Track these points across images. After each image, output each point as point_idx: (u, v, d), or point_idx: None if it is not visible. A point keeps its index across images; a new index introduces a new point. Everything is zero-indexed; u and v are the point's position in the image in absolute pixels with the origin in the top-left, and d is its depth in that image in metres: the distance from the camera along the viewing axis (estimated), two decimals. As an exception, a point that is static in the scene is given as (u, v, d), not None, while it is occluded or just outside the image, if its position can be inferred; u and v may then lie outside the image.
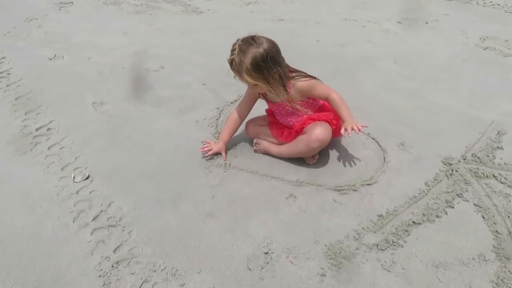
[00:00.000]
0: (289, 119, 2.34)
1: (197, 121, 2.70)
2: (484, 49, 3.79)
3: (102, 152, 2.42)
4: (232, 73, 2.10)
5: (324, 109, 2.34)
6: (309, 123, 2.27)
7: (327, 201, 2.07)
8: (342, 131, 2.14)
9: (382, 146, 2.48)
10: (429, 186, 2.20)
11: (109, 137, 2.56)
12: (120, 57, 3.64)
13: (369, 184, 2.19)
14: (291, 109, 2.26)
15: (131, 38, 4.07)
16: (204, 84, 3.10)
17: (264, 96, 2.32)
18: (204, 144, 2.39)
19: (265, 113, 2.51)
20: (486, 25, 4.35)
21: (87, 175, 2.23)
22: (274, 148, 2.37)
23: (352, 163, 2.34)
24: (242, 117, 2.44)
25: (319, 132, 2.17)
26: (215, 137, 2.56)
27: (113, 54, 3.70)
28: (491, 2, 5.01)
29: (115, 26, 4.38)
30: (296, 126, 2.32)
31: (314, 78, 2.21)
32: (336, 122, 2.30)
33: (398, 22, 4.56)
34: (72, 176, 2.22)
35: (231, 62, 2.04)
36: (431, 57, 3.66)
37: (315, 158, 2.34)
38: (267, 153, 2.40)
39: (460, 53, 3.71)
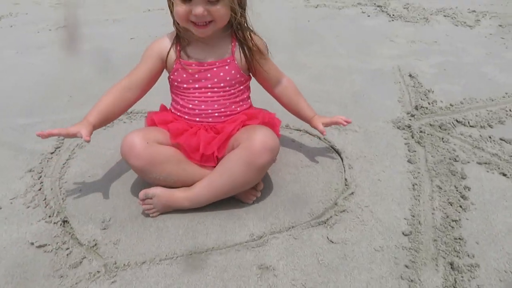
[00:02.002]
0: (215, 112, 1.38)
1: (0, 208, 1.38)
2: (316, 7, 3.42)
3: None
4: None
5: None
6: (239, 128, 1.31)
7: (323, 247, 1.16)
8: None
9: (320, 136, 1.68)
10: (416, 162, 1.52)
11: None
12: None
13: (352, 193, 1.37)
14: (236, 81, 1.38)
15: None
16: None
17: (183, 48, 1.36)
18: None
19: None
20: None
21: None
22: (184, 195, 1.30)
23: (301, 177, 1.47)
24: (133, 87, 1.36)
25: (262, 137, 1.23)
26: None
27: None
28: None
29: None
30: (227, 128, 1.33)
31: None
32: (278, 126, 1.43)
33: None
34: None
35: None
36: (277, 24, 3.05)
37: (259, 187, 1.38)
38: (171, 209, 1.32)
39: (300, 15, 3.23)
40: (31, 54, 2.53)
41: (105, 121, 1.34)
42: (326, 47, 2.61)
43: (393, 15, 3.18)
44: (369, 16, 3.21)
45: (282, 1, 3.55)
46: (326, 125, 1.46)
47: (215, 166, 1.32)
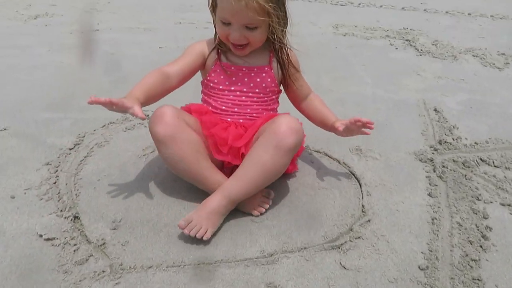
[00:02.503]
0: (247, 115, 1.42)
1: (12, 197, 1.37)
2: (344, 36, 3.43)
3: None
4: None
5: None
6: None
7: (335, 272, 1.12)
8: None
9: (340, 160, 1.65)
10: (436, 196, 1.47)
11: None
12: None
13: (369, 221, 1.33)
14: (270, 89, 1.44)
15: None
16: (4, 130, 1.74)
17: (223, 52, 1.42)
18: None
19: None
20: (326, 15, 4.08)
21: None
22: (218, 193, 1.24)
23: (317, 198, 1.44)
24: (172, 76, 1.35)
25: (287, 120, 1.24)
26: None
27: None
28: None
29: None
30: (256, 122, 1.36)
31: None
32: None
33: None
34: None
35: None
36: (305, 48, 3.07)
37: (270, 196, 1.36)
38: (215, 217, 1.22)
39: (328, 42, 3.25)
40: (62, 53, 2.58)
41: (147, 100, 1.27)
42: (352, 74, 2.61)
43: (421, 50, 3.17)
44: (397, 48, 3.20)
45: (311, 27, 3.58)
46: (345, 125, 1.38)
47: (233, 166, 1.35)
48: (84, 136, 1.71)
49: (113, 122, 1.83)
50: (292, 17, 1.38)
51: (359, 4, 4.45)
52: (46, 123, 1.80)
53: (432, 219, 1.35)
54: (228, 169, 1.41)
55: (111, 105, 1.12)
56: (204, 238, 1.17)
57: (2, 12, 3.37)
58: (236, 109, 1.41)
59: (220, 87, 1.41)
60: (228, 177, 1.29)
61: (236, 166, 1.31)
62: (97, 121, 1.83)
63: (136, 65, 2.46)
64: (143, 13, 3.58)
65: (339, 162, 1.65)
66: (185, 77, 1.40)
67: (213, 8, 1.34)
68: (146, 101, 1.25)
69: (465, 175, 1.60)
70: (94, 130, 1.76)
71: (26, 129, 1.75)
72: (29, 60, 2.45)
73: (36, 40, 2.80)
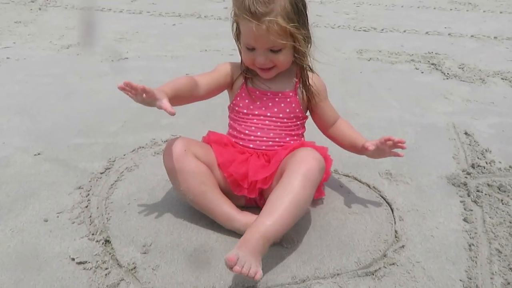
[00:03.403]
0: (270, 140, 1.41)
1: (46, 221, 1.39)
2: (368, 60, 3.44)
3: None
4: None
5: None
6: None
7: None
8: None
9: (369, 184, 1.62)
10: (472, 222, 1.42)
11: None
12: None
13: (403, 246, 1.29)
14: (294, 115, 1.43)
15: None
16: (38, 155, 1.79)
17: (249, 78, 1.44)
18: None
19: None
20: (350, 41, 4.10)
21: None
22: (254, 231, 1.12)
23: (348, 223, 1.41)
24: (201, 86, 1.38)
25: (307, 150, 1.26)
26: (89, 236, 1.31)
27: None
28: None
29: None
30: (279, 154, 1.33)
31: None
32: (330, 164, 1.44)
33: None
34: None
35: None
36: (330, 73, 3.08)
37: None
38: (259, 254, 1.11)
39: (353, 66, 3.25)
40: (92, 81, 2.67)
41: (174, 99, 1.24)
42: (378, 99, 2.59)
43: (447, 73, 3.13)
44: (422, 72, 3.18)
45: (335, 52, 3.60)
46: (375, 145, 1.35)
47: (248, 201, 1.37)
48: (114, 161, 1.74)
49: (142, 147, 1.86)
50: (316, 43, 1.39)
51: (382, 29, 4.45)
52: (77, 148, 1.85)
53: (469, 245, 1.30)
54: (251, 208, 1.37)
55: (142, 92, 1.12)
56: (257, 277, 1.05)
57: (37, 42, 3.52)
58: (259, 133, 1.41)
59: (245, 111, 1.43)
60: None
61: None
62: (126, 146, 1.86)
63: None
64: (170, 42, 3.68)
65: (369, 186, 1.62)
66: (213, 91, 1.43)
67: (237, 36, 1.39)
68: (173, 100, 1.23)
69: (502, 200, 1.54)
70: (124, 155, 1.79)
71: (59, 154, 1.80)
72: (62, 88, 2.53)
73: (68, 68, 2.90)
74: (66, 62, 3.07)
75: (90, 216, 1.39)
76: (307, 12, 1.33)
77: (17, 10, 4.76)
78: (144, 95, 1.13)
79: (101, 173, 1.65)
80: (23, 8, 4.86)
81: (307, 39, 1.34)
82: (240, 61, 1.44)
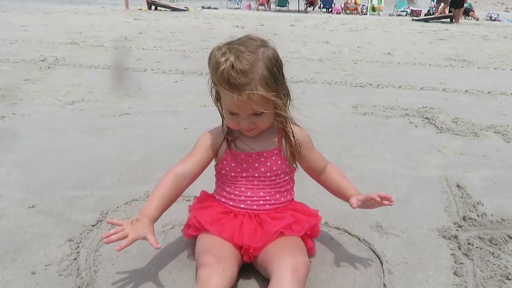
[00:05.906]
0: (260, 199, 1.43)
1: (33, 273, 1.39)
2: (363, 115, 3.52)
3: None
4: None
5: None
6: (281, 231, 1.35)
7: None
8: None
9: (360, 237, 1.62)
10: (463, 275, 1.41)
11: None
12: None
13: (391, 300, 1.27)
14: (281, 171, 1.45)
15: None
16: (33, 207, 1.81)
17: (232, 141, 1.44)
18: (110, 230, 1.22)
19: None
20: (346, 96, 4.21)
21: None
22: None
23: (336, 277, 1.40)
24: (187, 176, 1.40)
25: (297, 260, 1.24)
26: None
27: None
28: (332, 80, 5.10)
29: None
30: (272, 226, 1.35)
31: None
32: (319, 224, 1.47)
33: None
34: None
35: (230, 68, 1.20)
36: (325, 127, 3.15)
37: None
38: None
39: (348, 121, 3.33)
40: (93, 135, 2.74)
41: (163, 211, 1.36)
42: (371, 152, 2.64)
43: (441, 127, 3.19)
44: (416, 126, 3.24)
45: (331, 107, 3.70)
46: (361, 201, 1.35)
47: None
48: (107, 213, 1.76)
49: (136, 200, 1.88)
50: (312, 99, 1.44)
51: (378, 85, 4.59)
52: (72, 201, 1.87)
53: (459, 300, 1.28)
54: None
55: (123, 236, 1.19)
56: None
57: (43, 99, 3.66)
58: (249, 193, 1.43)
59: (232, 174, 1.44)
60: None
61: None
62: (120, 198, 1.89)
63: (161, 146, 2.57)
64: (171, 98, 3.81)
65: (359, 239, 1.62)
66: (199, 173, 1.45)
67: (217, 100, 1.40)
68: (162, 213, 1.34)
69: (493, 253, 1.53)
70: (117, 207, 1.82)
71: (53, 207, 1.82)
72: (62, 142, 2.60)
73: (70, 123, 2.99)
74: (69, 118, 3.17)
75: (78, 269, 1.39)
76: (283, 71, 1.34)
77: (27, 68, 4.98)
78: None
79: (93, 226, 1.66)
80: (33, 66, 5.08)
81: (286, 97, 1.36)
82: (221, 122, 1.47)
